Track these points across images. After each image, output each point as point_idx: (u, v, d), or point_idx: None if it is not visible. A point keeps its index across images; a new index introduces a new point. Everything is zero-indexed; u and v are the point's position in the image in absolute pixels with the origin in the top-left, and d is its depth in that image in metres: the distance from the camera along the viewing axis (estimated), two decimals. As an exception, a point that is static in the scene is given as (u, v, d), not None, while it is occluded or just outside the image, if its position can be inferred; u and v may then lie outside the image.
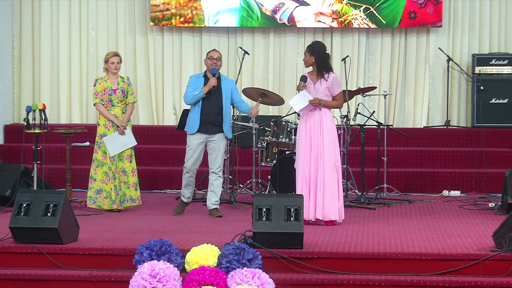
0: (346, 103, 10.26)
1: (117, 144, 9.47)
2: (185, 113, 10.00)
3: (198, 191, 10.52)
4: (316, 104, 8.53)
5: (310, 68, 8.73)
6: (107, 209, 9.44)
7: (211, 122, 9.10)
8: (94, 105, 9.67)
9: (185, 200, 9.29)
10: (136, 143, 9.64)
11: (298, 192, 8.51)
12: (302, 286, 6.85)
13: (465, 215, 9.25)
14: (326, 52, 8.69)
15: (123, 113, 9.55)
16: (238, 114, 10.58)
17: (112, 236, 7.77)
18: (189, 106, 9.20)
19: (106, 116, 9.49)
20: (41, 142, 9.71)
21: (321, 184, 8.50)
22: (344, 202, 9.82)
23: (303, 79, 8.62)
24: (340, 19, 12.36)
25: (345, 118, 10.22)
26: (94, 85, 9.61)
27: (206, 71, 9.24)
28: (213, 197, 9.19)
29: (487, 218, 8.99)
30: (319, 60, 8.60)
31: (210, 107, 9.10)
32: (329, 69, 8.63)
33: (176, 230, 8.16)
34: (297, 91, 8.63)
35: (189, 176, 9.21)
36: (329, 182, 8.50)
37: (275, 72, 12.66)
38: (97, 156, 9.52)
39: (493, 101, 12.00)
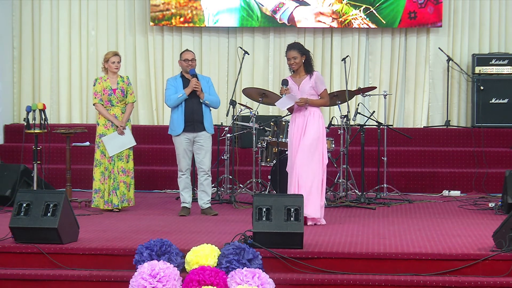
0: (346, 103, 10.27)
1: (116, 144, 9.47)
2: None
3: (197, 191, 10.50)
4: (302, 104, 8.53)
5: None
6: (104, 209, 9.45)
7: (197, 120, 9.22)
8: (93, 105, 9.68)
9: (187, 206, 9.30)
10: (136, 143, 9.65)
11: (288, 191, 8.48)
12: (302, 286, 6.85)
13: (465, 215, 9.25)
14: None
15: (122, 113, 9.56)
16: (238, 114, 10.59)
17: (112, 236, 7.77)
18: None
19: (105, 116, 9.50)
20: (41, 142, 9.72)
21: (306, 182, 8.46)
22: (344, 202, 9.89)
23: (285, 82, 8.60)
24: (340, 19, 12.36)
25: (345, 118, 10.22)
26: (94, 85, 9.62)
27: (182, 72, 9.33)
28: (205, 197, 9.29)
29: (487, 218, 8.98)
30: (308, 59, 8.63)
31: (193, 106, 9.21)
32: (312, 69, 8.65)
33: (176, 230, 8.16)
34: (281, 95, 8.60)
35: (185, 178, 9.27)
36: (313, 179, 8.45)
37: (275, 72, 12.66)
38: (96, 155, 9.54)
39: (493, 101, 12.00)
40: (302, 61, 8.59)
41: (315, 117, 8.58)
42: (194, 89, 9.14)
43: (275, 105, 11.52)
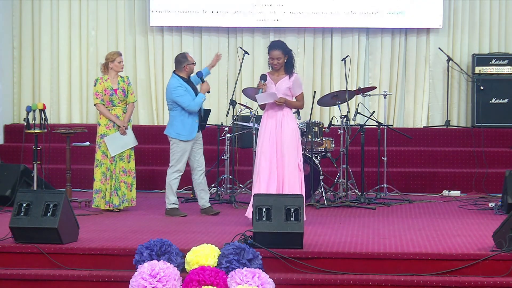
0: (346, 103, 10.28)
1: (118, 144, 9.48)
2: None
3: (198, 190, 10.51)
4: (281, 103, 8.51)
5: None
6: (104, 209, 9.45)
7: (199, 122, 9.34)
8: (94, 105, 9.67)
9: (178, 206, 9.31)
10: (137, 143, 9.67)
11: (257, 191, 8.29)
12: (302, 286, 6.85)
13: (465, 215, 9.25)
14: None
15: (124, 113, 9.57)
16: (238, 114, 10.59)
17: (112, 236, 7.77)
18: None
19: (107, 117, 9.50)
20: (41, 142, 9.71)
21: (288, 185, 8.40)
22: (344, 202, 9.90)
23: (263, 77, 8.56)
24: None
25: (345, 118, 10.22)
26: (95, 85, 9.62)
27: (180, 75, 9.24)
28: (206, 195, 9.33)
29: (487, 218, 8.99)
30: (290, 59, 8.57)
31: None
32: (292, 70, 8.61)
33: (176, 230, 8.16)
34: (258, 90, 8.53)
35: (180, 179, 9.28)
36: (291, 183, 8.40)
37: (275, 72, 12.64)
38: (97, 156, 9.54)
39: (493, 101, 12.00)
40: (284, 61, 8.57)
41: (290, 117, 8.55)
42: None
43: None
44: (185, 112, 9.16)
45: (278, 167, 8.42)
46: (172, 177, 9.23)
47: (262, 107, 8.66)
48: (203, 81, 9.34)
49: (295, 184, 8.41)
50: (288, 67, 8.55)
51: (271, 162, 8.44)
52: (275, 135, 8.48)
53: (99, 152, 9.53)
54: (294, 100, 8.57)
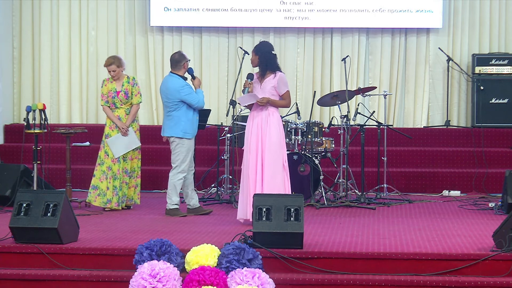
0: (346, 103, 10.28)
1: (120, 145, 9.51)
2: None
3: (198, 191, 10.50)
4: (263, 104, 8.52)
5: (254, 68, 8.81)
6: (98, 205, 9.48)
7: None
8: (101, 106, 9.76)
9: (178, 206, 9.31)
10: (140, 144, 9.68)
11: (247, 191, 8.40)
12: (302, 286, 6.85)
13: (465, 215, 9.25)
14: (273, 52, 8.66)
15: (127, 114, 9.61)
16: (238, 114, 10.59)
17: (112, 236, 7.78)
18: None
19: (110, 118, 9.59)
20: (41, 142, 9.72)
21: (268, 184, 8.41)
22: (344, 202, 9.90)
23: (250, 77, 8.64)
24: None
25: (345, 118, 10.22)
26: (101, 87, 9.71)
27: (178, 74, 9.29)
28: (196, 195, 9.36)
29: (487, 218, 8.99)
30: (262, 60, 8.59)
31: None
32: (275, 68, 8.61)
33: (176, 230, 8.16)
34: (243, 88, 8.59)
35: (184, 179, 9.25)
36: (276, 183, 8.40)
37: (275, 72, 12.64)
38: (100, 154, 9.62)
39: (493, 101, 12.00)
40: (257, 60, 8.61)
41: (275, 117, 8.57)
42: None
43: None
44: (190, 110, 9.19)
45: (263, 166, 8.44)
46: (177, 178, 9.22)
47: (250, 107, 8.70)
48: (194, 77, 9.35)
49: (279, 184, 8.40)
50: (269, 66, 8.58)
51: (257, 161, 8.47)
52: (261, 134, 8.51)
53: (102, 151, 9.63)
54: (279, 99, 8.59)
